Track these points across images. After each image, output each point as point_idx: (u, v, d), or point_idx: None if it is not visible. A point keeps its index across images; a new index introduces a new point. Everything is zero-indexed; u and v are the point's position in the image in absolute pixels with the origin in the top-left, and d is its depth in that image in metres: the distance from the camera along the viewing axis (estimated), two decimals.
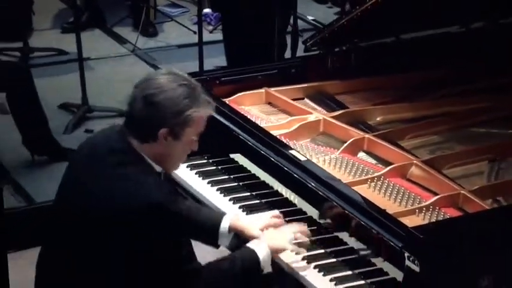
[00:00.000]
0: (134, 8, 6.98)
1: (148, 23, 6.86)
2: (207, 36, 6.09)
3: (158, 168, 2.89)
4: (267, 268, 2.91)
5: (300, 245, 2.93)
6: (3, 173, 4.93)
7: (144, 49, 6.67)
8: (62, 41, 6.61)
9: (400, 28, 4.05)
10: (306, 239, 2.95)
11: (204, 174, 3.54)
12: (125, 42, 6.77)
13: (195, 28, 6.60)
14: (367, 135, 3.49)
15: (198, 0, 6.09)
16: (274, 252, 2.92)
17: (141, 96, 2.77)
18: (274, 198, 3.39)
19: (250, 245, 2.94)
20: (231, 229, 3.07)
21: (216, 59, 6.13)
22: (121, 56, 6.60)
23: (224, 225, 3.07)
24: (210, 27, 6.75)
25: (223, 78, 3.78)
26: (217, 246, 3.17)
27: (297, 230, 2.96)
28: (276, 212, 3.14)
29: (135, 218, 2.75)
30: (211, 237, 3.11)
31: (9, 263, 4.39)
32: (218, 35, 6.65)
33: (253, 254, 2.89)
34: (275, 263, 2.94)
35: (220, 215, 3.15)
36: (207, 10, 6.68)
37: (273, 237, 2.96)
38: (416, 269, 2.70)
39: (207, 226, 3.14)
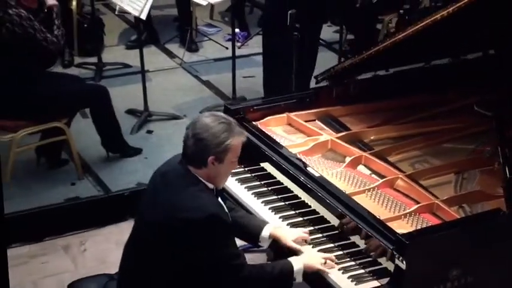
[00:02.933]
0: (181, 29, 6.86)
1: (192, 41, 6.73)
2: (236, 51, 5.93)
3: (211, 186, 2.92)
4: (298, 278, 2.92)
5: (327, 267, 2.94)
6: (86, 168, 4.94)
7: (189, 62, 6.53)
8: (126, 56, 6.51)
9: (390, 66, 4.02)
10: (333, 264, 2.95)
11: (241, 181, 3.51)
12: (174, 57, 6.64)
13: (227, 44, 6.63)
14: (364, 154, 3.48)
15: (232, 23, 5.96)
16: (307, 268, 2.93)
17: (191, 134, 2.84)
18: (294, 201, 3.36)
19: (290, 259, 2.95)
20: (271, 236, 3.08)
21: (243, 70, 6.07)
22: (172, 69, 6.48)
23: (265, 233, 3.09)
24: (239, 44, 6.66)
25: (255, 107, 3.77)
26: (258, 246, 3.22)
27: (326, 257, 2.97)
28: (306, 229, 3.13)
29: (195, 225, 2.81)
30: (254, 240, 3.15)
31: (88, 238, 4.57)
32: (244, 50, 6.66)
33: (290, 265, 2.92)
34: (305, 275, 2.94)
35: (263, 223, 3.17)
36: (236, 30, 6.52)
37: (310, 257, 2.96)
38: (403, 266, 2.74)
39: (252, 232, 3.16)
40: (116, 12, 6.80)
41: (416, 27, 3.20)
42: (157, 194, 2.99)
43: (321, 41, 6.60)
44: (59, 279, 4.17)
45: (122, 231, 4.48)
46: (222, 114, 2.99)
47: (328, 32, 6.92)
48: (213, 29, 7.19)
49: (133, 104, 5.63)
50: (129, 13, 5.62)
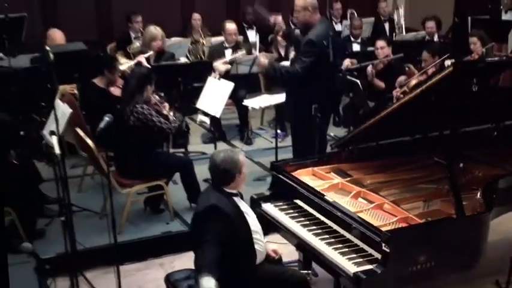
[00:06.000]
0: (240, 131, 7.08)
1: (248, 138, 6.93)
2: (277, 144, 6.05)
3: (234, 191, 3.26)
4: None
5: None
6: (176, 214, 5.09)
7: (247, 151, 6.37)
8: (204, 148, 6.67)
9: (378, 140, 4.07)
10: None
11: (283, 210, 3.70)
12: (235, 147, 6.54)
13: (271, 140, 6.74)
14: (362, 190, 3.62)
15: (275, 126, 6.32)
16: None
17: (220, 170, 3.19)
18: (315, 221, 3.53)
19: None
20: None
21: (283, 155, 5.88)
22: None
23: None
24: (280, 140, 6.69)
25: (291, 163, 3.95)
26: None
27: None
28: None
29: (202, 213, 3.12)
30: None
31: (176, 259, 4.56)
32: (283, 143, 6.54)
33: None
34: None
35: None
36: (278, 131, 6.70)
37: None
38: (388, 250, 2.95)
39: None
40: (197, 123, 7.20)
41: (389, 109, 3.51)
42: (201, 200, 3.32)
43: (335, 137, 6.71)
44: (157, 285, 4.27)
45: None
46: (222, 150, 3.35)
47: (340, 132, 7.05)
48: (262, 131, 7.37)
49: (208, 176, 5.73)
50: (208, 116, 5.99)
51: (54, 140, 3.45)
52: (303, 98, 4.91)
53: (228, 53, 6.99)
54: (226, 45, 7.09)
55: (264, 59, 5.15)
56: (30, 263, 4.44)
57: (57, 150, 3.46)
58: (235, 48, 7.04)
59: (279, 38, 7.08)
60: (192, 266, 4.35)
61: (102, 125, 3.54)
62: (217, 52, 7.05)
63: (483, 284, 4.02)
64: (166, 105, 5.09)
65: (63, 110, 4.52)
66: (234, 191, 3.24)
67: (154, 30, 6.28)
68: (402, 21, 8.31)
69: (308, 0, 4.81)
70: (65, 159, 4.14)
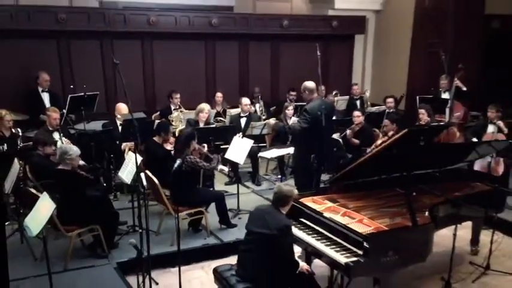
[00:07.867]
0: (252, 176, 7.32)
1: (258, 181, 7.20)
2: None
3: (284, 212, 3.62)
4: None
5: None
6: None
7: (256, 190, 6.85)
8: (225, 188, 6.88)
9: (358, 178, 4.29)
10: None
11: (293, 226, 3.87)
12: (249, 188, 6.98)
13: (275, 182, 7.14)
14: (348, 210, 3.95)
15: (278, 172, 6.87)
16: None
17: (282, 195, 3.60)
18: (316, 231, 3.87)
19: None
20: None
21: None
22: (247, 193, 6.74)
23: None
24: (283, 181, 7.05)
25: (298, 194, 3.92)
26: None
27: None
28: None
29: (280, 230, 3.42)
30: None
31: (212, 263, 4.71)
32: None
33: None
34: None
35: None
36: (279, 176, 7.07)
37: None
38: (367, 246, 3.39)
39: None
40: (218, 170, 7.62)
41: (363, 158, 3.92)
42: (262, 218, 3.60)
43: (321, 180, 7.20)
44: (200, 281, 4.56)
45: (230, 260, 4.71)
46: (284, 183, 3.76)
47: (325, 176, 6.93)
48: (268, 176, 7.71)
49: (231, 207, 6.01)
50: (227, 165, 6.37)
51: (143, 177, 3.89)
52: (304, 150, 5.48)
53: (243, 121, 7.50)
54: (242, 114, 7.65)
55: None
56: (110, 264, 4.85)
57: (145, 183, 3.90)
58: (249, 117, 7.54)
59: (287, 111, 7.61)
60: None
61: (176, 165, 4.07)
62: (235, 120, 7.57)
63: (432, 279, 4.44)
64: (205, 145, 5.66)
65: (137, 158, 5.07)
66: (284, 212, 3.62)
67: (203, 105, 6.95)
68: (368, 99, 9.06)
69: (306, 86, 5.45)
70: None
